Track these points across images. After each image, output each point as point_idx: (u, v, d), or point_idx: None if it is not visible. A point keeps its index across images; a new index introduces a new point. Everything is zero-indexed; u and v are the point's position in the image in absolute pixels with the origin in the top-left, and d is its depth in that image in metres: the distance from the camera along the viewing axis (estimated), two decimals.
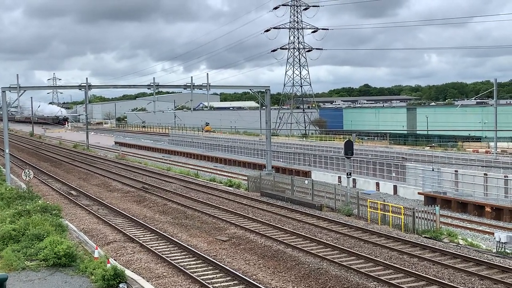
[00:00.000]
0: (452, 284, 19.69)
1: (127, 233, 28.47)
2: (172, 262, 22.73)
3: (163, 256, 23.74)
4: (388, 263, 22.32)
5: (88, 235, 28.20)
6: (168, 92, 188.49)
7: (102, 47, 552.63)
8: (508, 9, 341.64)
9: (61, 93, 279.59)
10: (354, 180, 48.41)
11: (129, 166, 64.23)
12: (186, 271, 21.46)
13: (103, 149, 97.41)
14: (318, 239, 26.61)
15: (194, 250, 24.55)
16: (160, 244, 26.47)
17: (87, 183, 50.38)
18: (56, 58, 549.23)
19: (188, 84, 50.26)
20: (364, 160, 53.72)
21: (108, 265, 19.82)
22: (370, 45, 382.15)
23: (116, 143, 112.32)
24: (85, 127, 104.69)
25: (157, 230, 29.06)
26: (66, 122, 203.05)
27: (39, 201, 34.43)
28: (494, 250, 24.81)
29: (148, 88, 51.94)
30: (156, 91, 51.21)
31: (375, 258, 23.03)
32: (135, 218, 32.33)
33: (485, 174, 40.69)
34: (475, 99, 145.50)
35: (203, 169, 65.78)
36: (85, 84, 50.14)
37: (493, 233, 28.38)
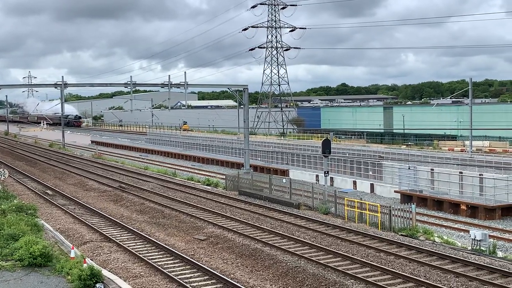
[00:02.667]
0: (428, 281, 19.89)
1: (103, 232, 28.25)
2: (150, 261, 22.62)
3: (140, 255, 23.61)
4: (365, 261, 22.47)
5: (64, 235, 27.93)
6: (145, 91, 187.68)
7: (79, 45, 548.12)
8: (483, 10, 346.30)
9: (36, 91, 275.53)
10: (331, 178, 48.63)
11: (106, 165, 63.75)
12: (163, 270, 21.37)
13: (79, 148, 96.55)
14: (296, 237, 26.69)
15: (172, 250, 24.46)
16: (137, 243, 26.32)
17: (63, 182, 49.89)
18: (32, 56, 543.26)
19: (165, 83, 50.06)
20: (342, 159, 54.00)
21: (85, 265, 19.66)
22: (348, 44, 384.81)
23: (92, 142, 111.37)
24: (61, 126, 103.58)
25: (134, 229, 28.89)
26: (80, 123, 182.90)
27: (14, 201, 34.07)
28: (469, 248, 25.10)
29: (125, 87, 51.63)
30: (133, 89, 50.93)
31: (352, 256, 23.17)
32: (112, 218, 32.09)
33: (461, 173, 41.14)
34: (450, 98, 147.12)
35: (181, 168, 65.55)
36: (61, 83, 49.66)
37: (468, 231, 28.71)
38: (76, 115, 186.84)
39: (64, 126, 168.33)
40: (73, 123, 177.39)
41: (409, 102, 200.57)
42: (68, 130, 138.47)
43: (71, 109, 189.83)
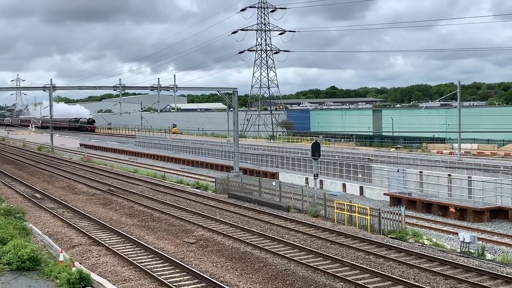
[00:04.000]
0: (417, 284, 19.95)
1: (92, 236, 28.11)
2: (139, 265, 22.52)
3: (130, 259, 23.50)
4: (355, 263, 22.51)
5: (52, 238, 27.75)
6: (134, 94, 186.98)
7: (69, 48, 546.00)
8: (472, 13, 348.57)
9: (25, 94, 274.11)
10: (321, 181, 48.69)
11: (94, 168, 63.49)
12: (153, 274, 21.29)
13: (68, 151, 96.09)
14: (285, 240, 26.69)
15: (161, 253, 24.38)
16: (127, 247, 26.21)
17: (51, 185, 49.61)
18: (21, 58, 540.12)
19: (155, 86, 49.99)
20: (331, 162, 54.11)
21: (74, 268, 19.55)
22: (337, 47, 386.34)
23: (81, 145, 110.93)
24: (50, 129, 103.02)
25: (123, 233, 28.77)
26: (94, 127, 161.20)
27: (3, 204, 33.84)
28: (458, 250, 25.22)
29: (114, 90, 51.56)
30: (123, 92, 50.84)
31: (342, 259, 23.21)
32: (100, 221, 31.95)
33: (449, 175, 41.34)
34: (439, 101, 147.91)
35: (170, 171, 65.39)
36: (49, 86, 49.45)
37: (457, 233, 28.83)
38: (89, 118, 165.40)
39: (76, 131, 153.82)
40: (86, 127, 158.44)
41: (398, 105, 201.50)
42: (56, 133, 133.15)
43: (81, 111, 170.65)
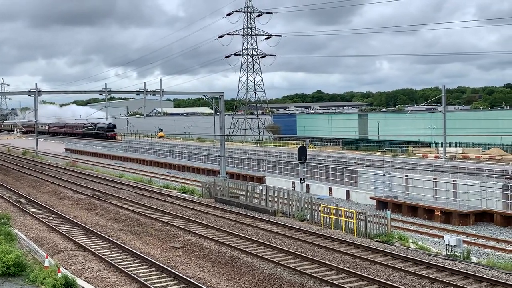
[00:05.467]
0: (403, 287, 20.04)
1: (78, 241, 27.94)
2: (125, 270, 22.41)
3: (116, 264, 23.38)
4: (341, 267, 22.56)
5: (38, 244, 27.55)
6: (120, 98, 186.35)
7: (54, 52, 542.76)
8: (457, 18, 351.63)
9: (9, 99, 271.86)
10: (307, 185, 48.79)
11: (80, 173, 63.14)
12: (139, 279, 21.20)
13: (53, 156, 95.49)
14: (272, 244, 26.69)
15: (147, 258, 24.28)
16: (113, 252, 26.07)
17: (37, 190, 49.25)
18: (6, 63, 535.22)
19: (141, 90, 49.81)
20: (317, 166, 54.23)
21: (59, 274, 19.43)
22: (324, 51, 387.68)
23: (66, 149, 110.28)
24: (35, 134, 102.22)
25: (109, 238, 28.62)
26: (115, 134, 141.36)
27: None
28: (444, 253, 25.35)
29: (100, 94, 51.33)
30: (108, 97, 50.60)
31: (329, 263, 23.25)
32: (86, 226, 31.76)
33: (435, 179, 41.62)
34: (424, 105, 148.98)
35: (156, 175, 65.20)
36: (34, 90, 49.16)
37: (442, 237, 29.01)
38: (110, 123, 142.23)
39: (91, 139, 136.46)
40: (106, 134, 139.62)
41: (384, 109, 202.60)
42: (41, 138, 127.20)
43: (97, 114, 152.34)
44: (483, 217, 36.51)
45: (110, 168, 74.77)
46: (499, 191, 36.66)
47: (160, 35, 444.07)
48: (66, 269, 22.33)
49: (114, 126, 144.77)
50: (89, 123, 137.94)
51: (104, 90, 49.21)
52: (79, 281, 20.16)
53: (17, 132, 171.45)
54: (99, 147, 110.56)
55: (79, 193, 45.96)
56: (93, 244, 27.56)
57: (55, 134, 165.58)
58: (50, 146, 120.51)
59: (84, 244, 27.37)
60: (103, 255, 25.09)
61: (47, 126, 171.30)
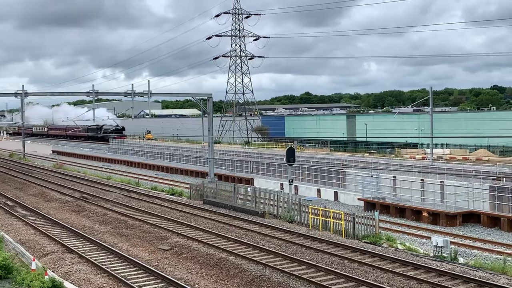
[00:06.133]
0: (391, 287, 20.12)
1: (65, 244, 27.77)
2: (113, 272, 22.31)
3: (103, 266, 23.27)
4: (330, 268, 22.59)
5: (25, 246, 27.36)
6: (108, 100, 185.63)
7: (42, 54, 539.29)
8: (444, 20, 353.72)
9: None
10: (296, 187, 48.83)
11: (67, 175, 62.80)
12: (127, 281, 21.10)
13: (40, 158, 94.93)
14: (260, 246, 26.68)
15: (135, 260, 24.18)
16: (100, 254, 25.94)
17: (23, 193, 48.92)
18: None
19: (129, 92, 49.59)
20: (306, 167, 54.30)
21: (46, 277, 19.31)
22: (312, 53, 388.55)
23: (54, 152, 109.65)
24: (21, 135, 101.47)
25: (96, 240, 28.48)
26: (124, 136, 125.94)
27: None
28: (431, 254, 25.46)
29: (87, 96, 51.03)
30: (96, 98, 50.34)
31: (317, 264, 23.27)
32: (73, 229, 31.58)
33: (422, 180, 41.80)
34: (411, 107, 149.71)
35: (144, 177, 64.98)
36: (21, 92, 48.84)
37: (430, 238, 29.14)
38: (117, 125, 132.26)
39: (96, 142, 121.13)
40: (113, 137, 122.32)
41: (372, 111, 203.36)
42: (28, 140, 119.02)
43: (103, 114, 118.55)
44: (470, 218, 36.72)
45: (97, 170, 74.44)
46: (486, 192, 36.89)
47: (148, 37, 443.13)
48: (53, 271, 22.20)
49: (123, 128, 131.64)
50: (93, 125, 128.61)
51: (91, 91, 48.93)
52: (66, 284, 20.04)
53: (3, 134, 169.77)
54: (87, 149, 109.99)
55: (66, 195, 45.71)
56: (81, 247, 27.41)
57: (55, 137, 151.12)
58: (37, 148, 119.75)
59: (72, 246, 27.22)
60: (90, 257, 24.95)
61: (46, 129, 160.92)
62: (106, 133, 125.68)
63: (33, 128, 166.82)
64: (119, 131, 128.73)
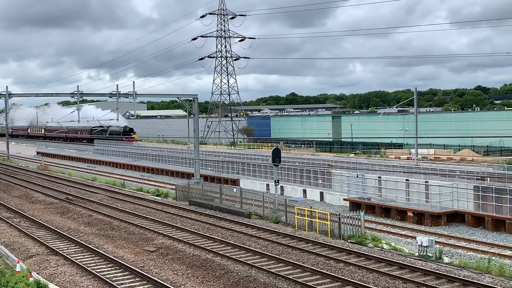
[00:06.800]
0: (377, 287, 20.20)
1: (50, 245, 27.60)
2: (98, 274, 22.20)
3: (89, 268, 23.15)
4: (315, 268, 22.65)
5: (9, 248, 27.14)
6: (93, 101, 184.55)
7: (25, 55, 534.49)
8: (429, 21, 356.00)
9: None
10: (282, 187, 48.90)
11: (52, 176, 62.38)
12: (112, 283, 21.01)
13: (24, 159, 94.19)
14: (246, 247, 26.69)
15: (121, 262, 24.08)
16: (85, 256, 25.81)
17: (7, 195, 48.51)
18: None
19: (114, 92, 49.37)
20: (292, 168, 54.38)
21: (31, 279, 19.18)
22: (297, 54, 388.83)
23: (38, 153, 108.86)
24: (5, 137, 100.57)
25: (82, 242, 28.32)
26: (133, 139, 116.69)
27: None
28: (417, 254, 25.62)
29: (72, 97, 50.71)
30: (81, 99, 50.03)
31: (303, 264, 23.33)
32: (58, 230, 31.38)
33: (407, 180, 42.04)
34: (396, 108, 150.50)
35: (130, 178, 64.72)
36: (5, 93, 48.44)
37: (415, 237, 29.31)
38: (126, 126, 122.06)
39: (107, 144, 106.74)
40: (121, 139, 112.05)
41: (357, 111, 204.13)
42: (12, 141, 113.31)
43: (108, 115, 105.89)
44: (455, 217, 36.98)
45: (82, 171, 74.02)
46: (470, 192, 37.17)
47: (134, 37, 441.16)
48: (38, 274, 22.05)
49: (132, 130, 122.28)
50: (97, 126, 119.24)
51: (76, 92, 48.64)
52: (52, 286, 19.92)
53: None
54: (72, 150, 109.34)
55: (51, 197, 45.41)
56: (66, 249, 27.25)
57: (53, 140, 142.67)
58: (21, 149, 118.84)
59: (57, 248, 27.06)
60: (75, 259, 24.82)
61: (43, 130, 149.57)
62: (112, 134, 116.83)
63: (29, 129, 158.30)
64: (127, 133, 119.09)
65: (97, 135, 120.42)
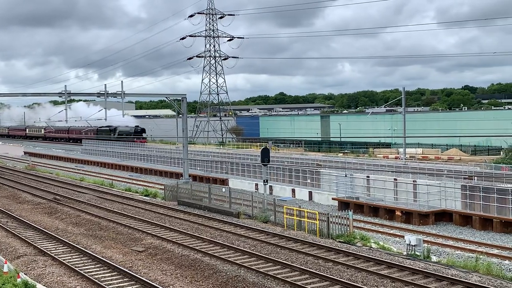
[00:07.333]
0: (365, 287, 20.26)
1: (38, 246, 27.45)
2: (86, 275, 22.11)
3: (76, 269, 23.04)
4: (304, 268, 22.69)
5: None
6: (81, 100, 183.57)
7: (13, 54, 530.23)
8: (417, 21, 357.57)
9: None
10: (270, 187, 48.92)
11: (39, 177, 62.03)
12: (100, 283, 20.93)
13: (12, 159, 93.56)
14: (235, 246, 26.69)
15: (109, 262, 23.99)
16: (73, 256, 25.69)
17: None
18: None
19: (102, 92, 49.14)
20: (280, 167, 54.42)
21: (19, 279, 19.07)
22: (286, 54, 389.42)
23: (25, 153, 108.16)
24: None
25: (70, 242, 28.19)
26: (145, 139, 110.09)
27: None
28: (405, 253, 25.73)
29: (60, 96, 50.42)
30: (68, 99, 49.78)
31: (292, 264, 23.35)
32: (46, 231, 31.22)
33: (395, 179, 42.19)
34: (384, 107, 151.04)
35: (118, 178, 64.48)
36: None
37: (403, 236, 29.43)
38: (137, 126, 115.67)
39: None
40: (133, 140, 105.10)
41: (345, 111, 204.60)
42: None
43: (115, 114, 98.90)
44: (443, 216, 37.17)
45: (70, 171, 73.65)
46: (458, 191, 37.37)
47: (122, 37, 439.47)
48: (26, 274, 21.93)
49: (143, 130, 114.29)
50: (105, 126, 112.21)
51: (63, 92, 48.36)
52: (39, 286, 19.82)
53: None
54: (59, 150, 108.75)
55: (38, 197, 45.16)
56: (54, 249, 27.11)
57: (54, 141, 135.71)
58: (8, 149, 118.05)
59: (44, 249, 26.91)
60: (63, 259, 24.70)
61: (43, 131, 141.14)
62: (122, 135, 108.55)
63: (27, 129, 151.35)
64: (138, 133, 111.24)
65: (104, 135, 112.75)
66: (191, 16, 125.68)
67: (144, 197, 44.91)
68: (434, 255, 26.69)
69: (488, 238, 32.49)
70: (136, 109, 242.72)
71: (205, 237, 28.82)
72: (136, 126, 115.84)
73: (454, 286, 20.56)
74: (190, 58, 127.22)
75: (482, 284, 20.35)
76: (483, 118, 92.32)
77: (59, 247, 27.73)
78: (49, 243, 28.54)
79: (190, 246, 26.92)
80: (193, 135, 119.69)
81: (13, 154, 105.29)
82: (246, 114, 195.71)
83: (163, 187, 46.53)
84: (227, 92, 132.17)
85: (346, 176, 44.28)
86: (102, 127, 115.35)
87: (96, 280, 21.33)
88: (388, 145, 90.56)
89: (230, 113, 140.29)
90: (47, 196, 45.52)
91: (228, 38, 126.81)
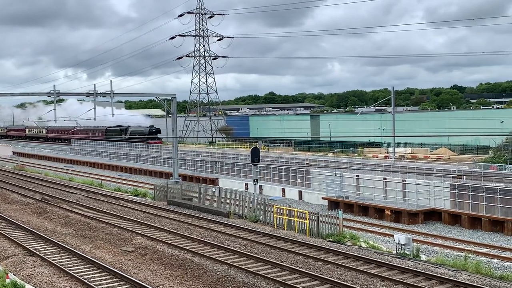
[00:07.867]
0: (355, 286, 20.31)
1: (27, 246, 27.30)
2: (75, 275, 22.01)
3: (66, 269, 22.94)
4: (294, 267, 22.72)
5: None
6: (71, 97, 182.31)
7: (1, 54, 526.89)
8: (406, 21, 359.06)
9: None
10: (260, 186, 48.92)
11: (28, 177, 61.69)
12: (90, 284, 20.85)
13: (0, 159, 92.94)
14: (225, 246, 26.67)
15: (99, 262, 23.90)
16: (63, 257, 25.57)
17: None
18: None
19: (91, 92, 48.91)
20: (270, 167, 54.44)
21: (7, 280, 18.96)
22: (276, 53, 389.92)
23: (14, 153, 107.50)
24: None
25: (59, 242, 28.06)
26: (160, 140, 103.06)
27: None
28: (394, 252, 25.82)
29: (48, 96, 50.13)
30: (57, 99, 49.49)
31: (282, 263, 23.37)
32: (35, 231, 31.05)
33: (385, 179, 42.33)
34: (374, 107, 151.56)
35: (107, 178, 64.25)
36: None
37: (393, 235, 29.54)
38: (152, 126, 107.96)
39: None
40: (147, 141, 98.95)
41: (335, 111, 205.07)
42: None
43: (124, 114, 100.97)
44: (432, 215, 37.33)
45: (59, 171, 73.29)
46: (447, 190, 37.55)
47: (111, 36, 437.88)
48: (15, 275, 21.81)
49: (158, 130, 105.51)
50: (115, 126, 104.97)
51: (52, 92, 48.09)
52: (29, 287, 19.70)
53: None
54: (48, 150, 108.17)
55: (27, 197, 44.91)
56: (43, 249, 26.98)
57: (57, 141, 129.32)
58: None
59: (33, 249, 26.77)
60: (53, 260, 24.58)
61: (44, 131, 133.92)
62: (134, 135, 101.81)
63: (27, 129, 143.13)
64: (153, 134, 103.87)
65: (114, 136, 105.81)
66: (180, 15, 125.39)
67: (134, 197, 44.79)
68: (424, 254, 26.82)
69: (477, 237, 32.68)
70: (125, 108, 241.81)
71: (195, 237, 28.78)
72: (150, 126, 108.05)
73: (443, 285, 20.66)
74: (179, 58, 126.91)
75: (471, 282, 20.46)
76: (471, 117, 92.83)
77: (48, 247, 27.60)
78: (38, 244, 28.39)
79: (180, 246, 26.88)
80: (183, 135, 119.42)
81: (2, 154, 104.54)
82: (236, 113, 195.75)
83: (153, 187, 46.42)
84: (217, 92, 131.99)
85: (336, 175, 44.37)
86: (111, 127, 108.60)
87: (85, 281, 21.25)
88: (377, 145, 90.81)
89: (220, 112, 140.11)
90: (36, 196, 45.29)
91: (218, 38, 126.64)
